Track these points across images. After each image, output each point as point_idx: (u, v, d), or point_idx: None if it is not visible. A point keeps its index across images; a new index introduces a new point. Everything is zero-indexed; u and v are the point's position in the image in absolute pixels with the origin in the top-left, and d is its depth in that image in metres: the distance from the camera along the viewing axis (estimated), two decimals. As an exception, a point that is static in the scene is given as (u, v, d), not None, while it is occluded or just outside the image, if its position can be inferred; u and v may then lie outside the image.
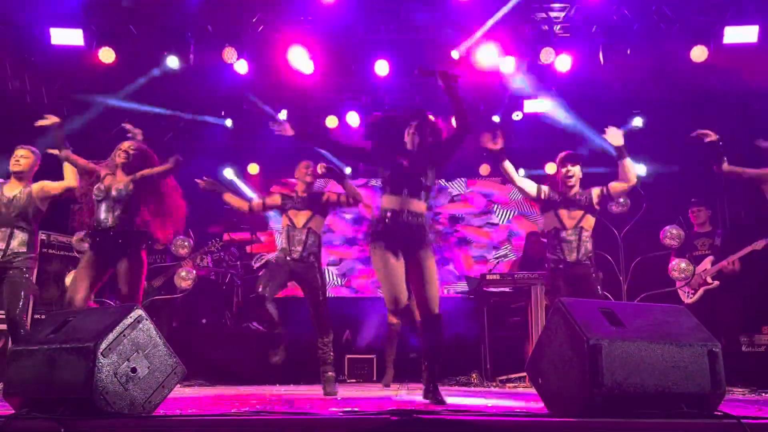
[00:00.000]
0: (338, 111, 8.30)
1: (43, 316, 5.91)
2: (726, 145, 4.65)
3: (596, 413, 2.43)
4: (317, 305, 4.76)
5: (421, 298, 3.68)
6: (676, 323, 2.75)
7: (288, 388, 6.05)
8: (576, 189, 4.62)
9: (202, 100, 8.08)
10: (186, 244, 5.66)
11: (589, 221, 4.59)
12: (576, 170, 4.62)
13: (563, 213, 4.56)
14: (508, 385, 6.08)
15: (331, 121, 8.32)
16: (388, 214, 3.69)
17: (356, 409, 3.01)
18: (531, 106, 7.85)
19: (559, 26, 6.93)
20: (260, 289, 4.49)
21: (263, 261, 5.82)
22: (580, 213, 4.56)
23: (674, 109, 7.75)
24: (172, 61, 6.84)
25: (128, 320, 2.71)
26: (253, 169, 9.05)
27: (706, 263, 5.93)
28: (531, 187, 4.61)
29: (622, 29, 6.77)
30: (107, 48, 6.77)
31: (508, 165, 4.50)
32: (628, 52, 6.81)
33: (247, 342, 6.93)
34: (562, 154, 4.69)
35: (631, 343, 2.55)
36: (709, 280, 5.86)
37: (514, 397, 4.43)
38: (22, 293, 4.34)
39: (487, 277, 6.46)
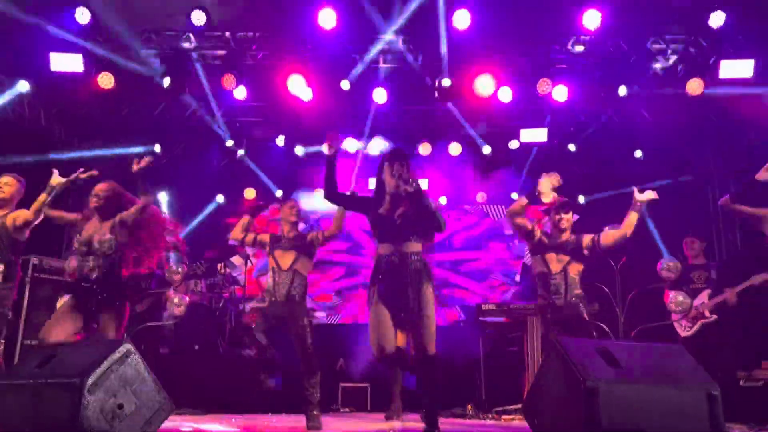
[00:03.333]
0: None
1: (33, 342, 5.79)
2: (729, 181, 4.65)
3: (593, 458, 2.38)
4: (304, 347, 4.71)
5: (417, 338, 3.58)
6: (675, 364, 2.70)
7: (280, 417, 5.96)
8: (567, 235, 4.64)
9: (201, 125, 8.12)
10: (180, 270, 5.59)
11: (576, 267, 4.60)
12: (569, 217, 4.65)
13: (551, 257, 4.58)
14: (504, 417, 5.98)
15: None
16: (384, 259, 3.62)
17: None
18: (527, 135, 7.88)
19: (556, 58, 6.98)
20: (257, 336, 4.68)
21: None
22: (566, 258, 4.57)
23: (670, 141, 7.80)
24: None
25: (116, 355, 2.66)
26: (250, 193, 9.05)
27: (704, 296, 5.88)
28: (528, 225, 4.63)
29: (618, 61, 6.82)
30: (106, 73, 6.80)
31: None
32: (625, 84, 6.84)
33: (240, 369, 6.82)
34: (558, 203, 4.67)
35: (629, 385, 2.51)
36: (707, 313, 5.82)
37: (510, 432, 4.36)
38: None
39: (483, 307, 6.40)
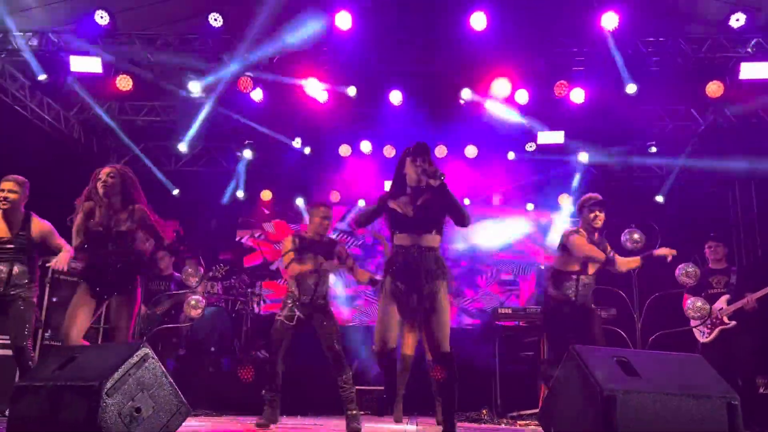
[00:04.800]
0: (351, 139, 8.36)
1: (55, 343, 5.81)
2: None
3: (611, 468, 2.36)
4: (331, 347, 4.66)
5: (430, 335, 3.53)
6: (694, 374, 2.67)
7: (295, 420, 5.97)
8: (597, 236, 4.54)
9: (219, 128, 8.18)
10: (197, 273, 5.61)
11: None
12: (603, 216, 4.53)
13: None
14: (519, 422, 5.93)
15: (345, 150, 8.39)
16: (400, 251, 3.55)
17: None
18: (544, 137, 7.83)
19: (573, 60, 6.94)
20: (271, 353, 4.74)
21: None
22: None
23: (689, 143, 7.71)
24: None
25: (134, 359, 2.68)
26: (266, 195, 9.09)
27: (722, 302, 5.80)
28: (599, 254, 4.43)
29: (637, 63, 6.75)
30: (125, 75, 6.87)
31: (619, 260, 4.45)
32: (643, 86, 6.77)
33: (255, 371, 6.85)
34: (591, 199, 4.57)
35: (647, 394, 2.48)
36: (725, 319, 5.74)
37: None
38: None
39: (499, 310, 6.37)
